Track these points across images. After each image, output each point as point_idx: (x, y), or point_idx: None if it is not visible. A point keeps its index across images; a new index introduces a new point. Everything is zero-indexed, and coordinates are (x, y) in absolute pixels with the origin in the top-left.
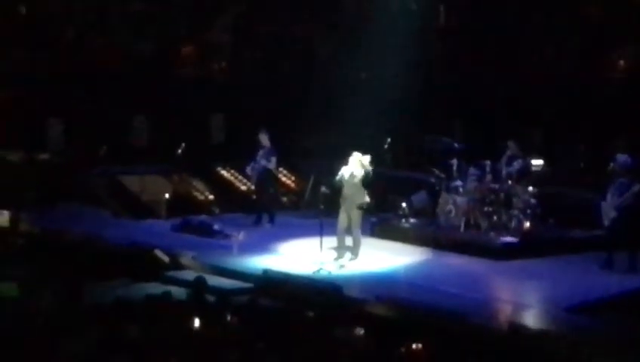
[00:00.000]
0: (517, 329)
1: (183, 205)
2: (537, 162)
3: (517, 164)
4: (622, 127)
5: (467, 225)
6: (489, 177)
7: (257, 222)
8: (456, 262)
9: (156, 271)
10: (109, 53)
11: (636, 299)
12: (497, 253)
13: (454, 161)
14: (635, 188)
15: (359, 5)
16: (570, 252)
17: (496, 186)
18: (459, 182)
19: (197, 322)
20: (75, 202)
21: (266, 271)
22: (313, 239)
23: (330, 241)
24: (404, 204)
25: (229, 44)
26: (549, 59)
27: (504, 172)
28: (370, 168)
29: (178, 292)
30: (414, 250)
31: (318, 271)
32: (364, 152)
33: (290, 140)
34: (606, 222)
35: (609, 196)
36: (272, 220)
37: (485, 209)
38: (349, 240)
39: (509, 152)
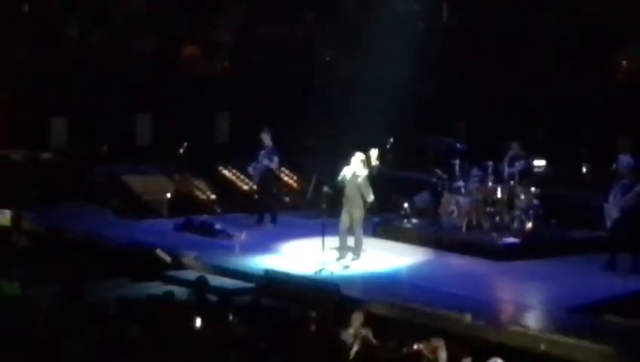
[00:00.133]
0: (518, 330)
1: (185, 205)
2: (539, 163)
3: (519, 165)
4: (624, 128)
5: (469, 225)
6: (491, 178)
7: (259, 221)
8: (458, 262)
9: (158, 271)
10: (112, 52)
11: (639, 300)
12: (499, 253)
13: (457, 162)
14: (638, 188)
15: (361, 5)
16: (572, 253)
17: (499, 187)
18: (461, 183)
19: (199, 322)
20: (77, 201)
21: (267, 271)
22: (315, 239)
23: (332, 241)
24: (406, 205)
25: (232, 44)
26: (552, 60)
27: (506, 172)
28: (377, 163)
29: (180, 292)
30: (416, 251)
31: (320, 271)
32: (368, 150)
33: (293, 140)
34: (608, 223)
35: (611, 197)
36: (274, 220)
37: (487, 209)
38: (350, 241)
39: (511, 153)
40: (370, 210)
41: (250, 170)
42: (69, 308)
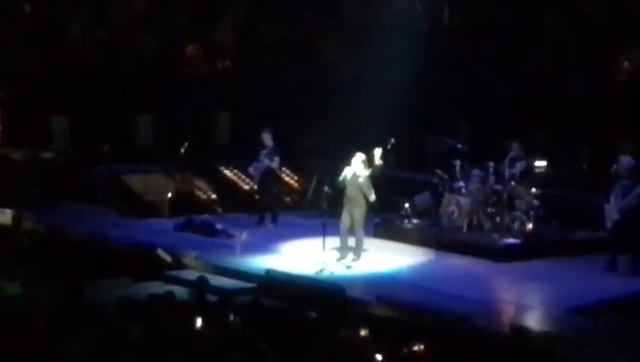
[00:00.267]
0: (519, 331)
1: (185, 204)
2: (540, 163)
3: (520, 166)
4: (625, 129)
5: (470, 226)
6: (492, 178)
7: (260, 221)
8: (458, 263)
9: (158, 271)
10: (113, 52)
11: (639, 301)
12: (500, 254)
13: (457, 162)
14: (638, 190)
15: (361, 5)
16: (573, 254)
17: (499, 187)
18: (462, 183)
19: (199, 322)
20: (78, 201)
21: (268, 271)
22: (316, 239)
23: (333, 241)
24: (407, 205)
25: (232, 44)
26: (553, 60)
27: (507, 173)
28: (380, 162)
29: (180, 291)
30: (417, 251)
31: (321, 271)
32: (369, 150)
33: (293, 140)
34: (609, 224)
35: (612, 198)
36: (274, 220)
37: (488, 210)
38: (351, 241)
39: (512, 153)
40: (372, 210)
41: (251, 170)
42: (69, 308)
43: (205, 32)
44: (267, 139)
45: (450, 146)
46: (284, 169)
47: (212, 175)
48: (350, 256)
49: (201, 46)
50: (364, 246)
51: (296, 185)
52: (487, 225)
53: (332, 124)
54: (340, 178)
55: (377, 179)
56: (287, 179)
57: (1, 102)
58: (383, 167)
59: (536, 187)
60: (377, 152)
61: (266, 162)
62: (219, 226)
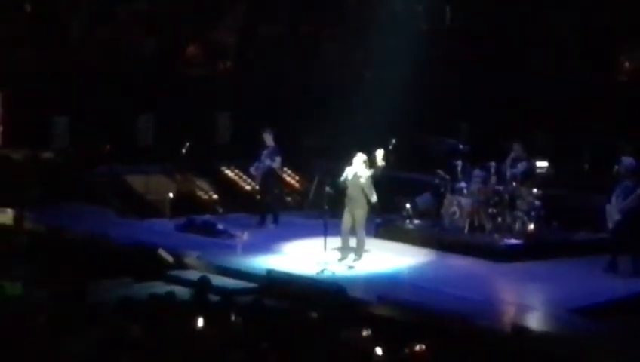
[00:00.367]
0: (520, 331)
1: (187, 205)
2: (542, 164)
3: (521, 166)
4: (626, 129)
5: (471, 226)
6: (493, 179)
7: (261, 222)
8: (460, 263)
9: (160, 271)
10: (114, 52)
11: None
12: (501, 254)
13: (459, 163)
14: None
15: (362, 5)
16: (574, 254)
17: (501, 188)
18: (463, 184)
19: (200, 322)
20: (79, 201)
21: (269, 271)
22: (317, 239)
23: (335, 242)
24: (408, 205)
25: (233, 44)
26: (555, 61)
27: (508, 174)
28: (383, 163)
29: (182, 291)
30: (418, 251)
31: (322, 271)
32: (371, 151)
33: (294, 140)
34: (610, 225)
35: (613, 199)
36: (276, 220)
37: (489, 211)
38: (352, 241)
39: (513, 154)
40: (373, 211)
41: (253, 170)
42: (69, 308)
43: (206, 32)
44: (268, 139)
45: (452, 147)
46: (285, 169)
47: (213, 175)
48: (351, 256)
49: (201, 46)
50: (366, 247)
51: (297, 185)
52: (488, 225)
53: (332, 124)
54: (342, 178)
55: (379, 180)
56: (288, 179)
57: (2, 102)
58: (384, 168)
59: (538, 187)
60: (379, 154)
61: (268, 162)
62: (220, 226)
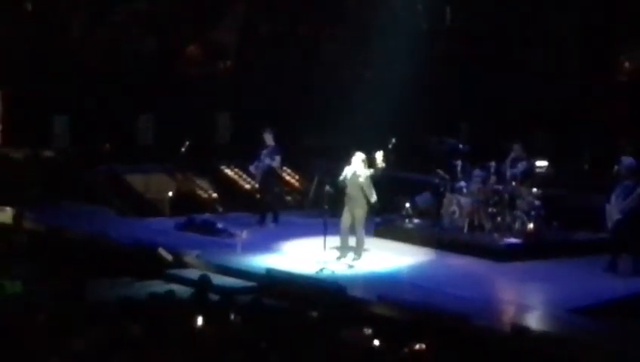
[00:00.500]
0: (520, 331)
1: (186, 204)
2: (541, 164)
3: (521, 166)
4: (627, 129)
5: (471, 226)
6: (493, 178)
7: (261, 221)
8: (459, 262)
9: (160, 270)
10: (114, 51)
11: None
12: (501, 254)
13: (459, 162)
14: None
15: (362, 5)
16: (573, 254)
17: (501, 188)
18: (463, 183)
19: (200, 321)
20: (79, 200)
21: (269, 271)
22: (317, 238)
23: (334, 241)
24: (408, 205)
25: (233, 44)
26: (555, 60)
27: (508, 173)
28: (383, 165)
29: (181, 290)
30: (418, 251)
31: (321, 270)
32: (371, 151)
33: (294, 140)
34: (610, 225)
35: (613, 198)
36: (275, 219)
37: (489, 210)
38: (351, 240)
39: (513, 154)
40: (373, 211)
41: (252, 169)
42: (70, 307)
43: (206, 32)
44: (268, 138)
45: (452, 146)
46: (285, 168)
47: (213, 174)
48: (351, 255)
49: (201, 46)
50: (365, 246)
51: (297, 184)
52: (488, 225)
53: (332, 124)
54: (341, 177)
55: (378, 180)
56: (288, 178)
57: (2, 101)
58: (384, 169)
59: (538, 187)
60: (379, 155)
61: (267, 161)
62: (220, 225)
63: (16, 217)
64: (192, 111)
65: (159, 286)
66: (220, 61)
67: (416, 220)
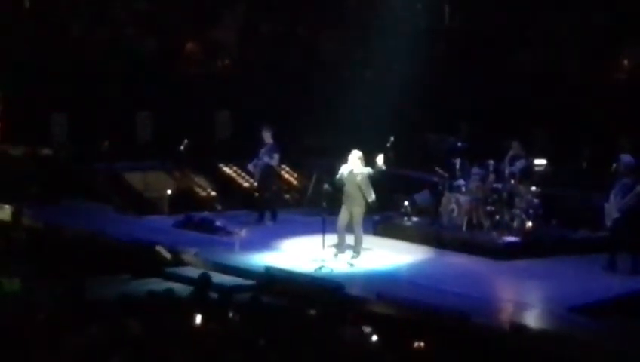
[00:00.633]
0: (518, 329)
1: (185, 201)
2: (540, 162)
3: (520, 164)
4: (626, 128)
5: (469, 224)
6: (492, 177)
7: (260, 219)
8: (458, 261)
9: (158, 268)
10: (113, 49)
11: (638, 300)
12: (499, 252)
13: (457, 160)
14: (638, 188)
15: (362, 4)
16: (572, 252)
17: (499, 186)
18: (462, 182)
19: (199, 319)
20: (78, 198)
21: (268, 269)
22: (315, 237)
23: (333, 239)
24: (406, 203)
25: (233, 42)
26: (553, 58)
27: (507, 171)
28: (384, 168)
29: (180, 288)
30: (417, 249)
31: (320, 268)
32: (368, 151)
33: (293, 138)
34: (609, 223)
35: (612, 197)
36: (274, 217)
37: (488, 208)
38: (349, 238)
39: (512, 152)
40: (371, 209)
41: (251, 167)
42: (68, 305)
43: (205, 31)
44: (267, 136)
45: (451, 144)
46: (283, 166)
47: (212, 172)
48: (348, 252)
49: (201, 44)
50: (364, 244)
51: (295, 182)
52: (486, 223)
53: (332, 123)
54: (337, 176)
55: (378, 177)
56: (286, 176)
57: (1, 99)
58: (384, 172)
59: (536, 185)
60: (380, 158)
61: (266, 159)
62: (218, 223)
63: (15, 215)
64: (191, 109)
65: (157, 284)
66: (219, 59)
67: (414, 218)
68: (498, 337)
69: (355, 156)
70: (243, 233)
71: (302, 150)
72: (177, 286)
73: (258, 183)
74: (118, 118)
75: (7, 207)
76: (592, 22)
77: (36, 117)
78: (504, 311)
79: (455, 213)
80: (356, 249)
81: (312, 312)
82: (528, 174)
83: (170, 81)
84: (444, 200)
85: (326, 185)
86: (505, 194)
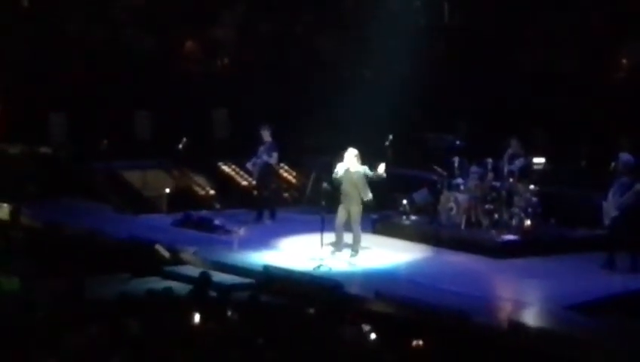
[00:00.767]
0: (517, 327)
1: (184, 200)
2: (539, 160)
3: (518, 162)
4: (624, 126)
5: (468, 222)
6: (490, 175)
7: (258, 217)
8: (456, 259)
9: (157, 266)
10: (112, 47)
11: (637, 299)
12: (498, 251)
13: (456, 159)
14: (637, 187)
15: (361, 3)
16: (571, 251)
17: (498, 184)
18: (460, 180)
19: (198, 318)
20: (76, 196)
21: (266, 267)
22: (314, 235)
23: (331, 237)
24: (405, 201)
25: (232, 41)
26: (552, 58)
27: (506, 170)
28: (384, 175)
29: (179, 287)
30: (415, 248)
31: (319, 267)
32: (367, 150)
33: (292, 136)
34: (607, 222)
35: (610, 195)
36: (273, 216)
37: (486, 207)
38: (347, 237)
39: (510, 150)
40: (369, 208)
41: (250, 165)
42: (68, 304)
43: (204, 30)
44: (266, 135)
45: (449, 143)
46: (282, 165)
47: (210, 171)
48: (346, 251)
49: (200, 43)
50: (363, 243)
51: (294, 181)
52: (485, 221)
53: (331, 122)
54: (334, 174)
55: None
56: (285, 175)
57: (0, 99)
58: (383, 179)
59: (535, 184)
60: (382, 167)
61: (264, 158)
62: (217, 222)
63: (14, 213)
64: (190, 108)
65: (156, 283)
66: (219, 59)
67: (413, 217)
68: (497, 335)
69: (351, 154)
70: (242, 232)
71: (301, 149)
72: (176, 285)
73: (257, 182)
74: (117, 117)
75: (5, 206)
76: (591, 22)
77: (35, 116)
78: (503, 309)
79: (454, 212)
80: (355, 247)
81: (311, 311)
82: (527, 173)
83: (169, 80)
84: (442, 198)
85: (325, 184)
86: (504, 193)
